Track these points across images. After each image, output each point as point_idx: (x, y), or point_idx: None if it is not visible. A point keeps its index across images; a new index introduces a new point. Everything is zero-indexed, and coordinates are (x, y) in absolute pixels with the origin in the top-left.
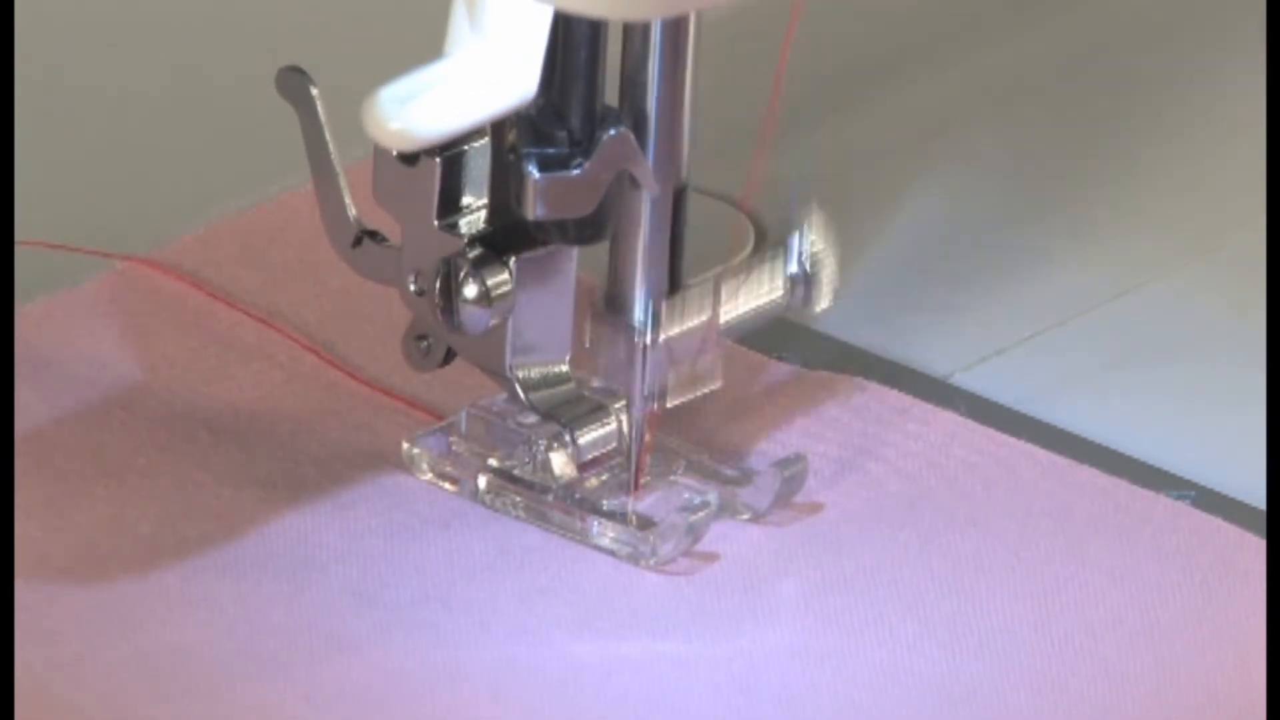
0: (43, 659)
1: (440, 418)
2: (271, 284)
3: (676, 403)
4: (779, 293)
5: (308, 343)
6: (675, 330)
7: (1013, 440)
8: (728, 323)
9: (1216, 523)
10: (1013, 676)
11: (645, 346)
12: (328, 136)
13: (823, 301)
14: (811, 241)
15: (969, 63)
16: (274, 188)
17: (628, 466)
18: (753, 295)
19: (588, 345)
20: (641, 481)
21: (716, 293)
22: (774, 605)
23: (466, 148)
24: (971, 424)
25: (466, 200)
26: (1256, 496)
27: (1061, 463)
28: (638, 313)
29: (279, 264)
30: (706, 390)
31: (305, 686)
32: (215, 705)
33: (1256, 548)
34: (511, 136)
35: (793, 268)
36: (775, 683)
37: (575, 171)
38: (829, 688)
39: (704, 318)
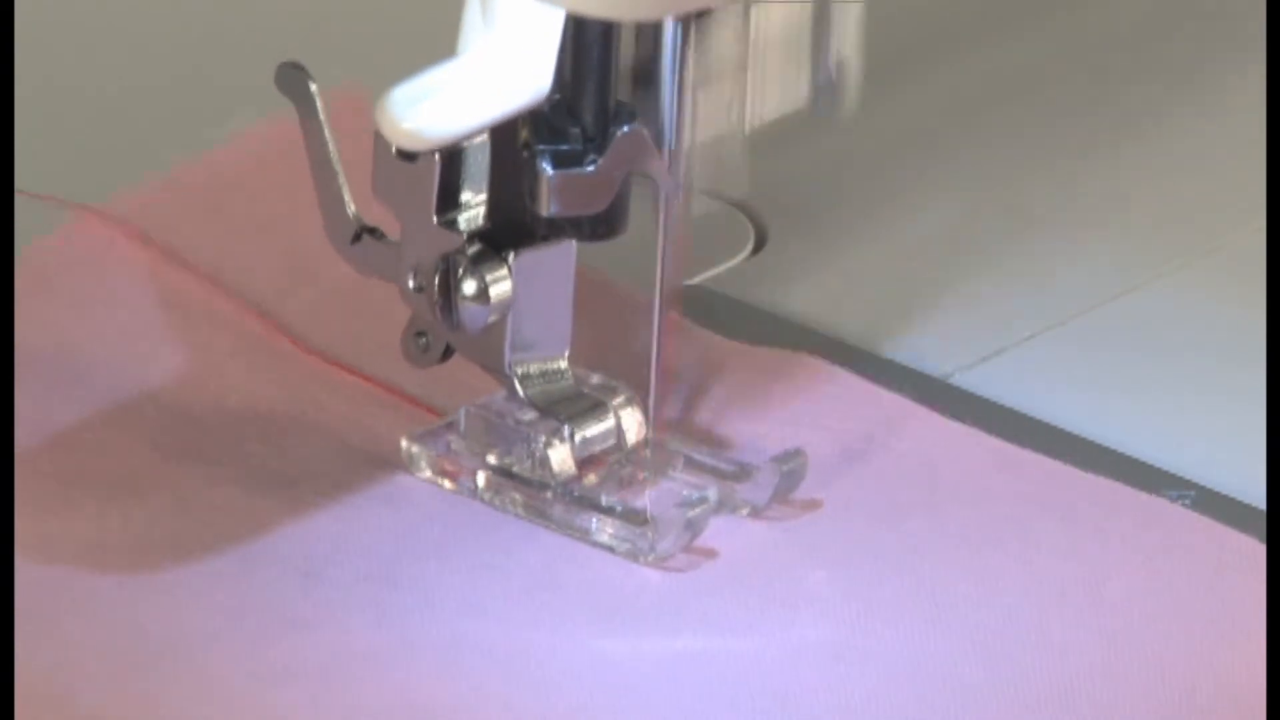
0: None
1: (387, 388)
2: (222, 241)
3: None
4: (804, 94)
5: (256, 312)
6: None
7: (957, 425)
8: (756, 123)
9: (1161, 503)
10: (960, 650)
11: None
12: (327, 133)
13: (845, 105)
14: (841, 45)
15: (969, 63)
16: (223, 131)
17: (628, 461)
18: (779, 96)
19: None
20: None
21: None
22: (738, 602)
23: (465, 145)
24: (957, 424)
25: (465, 197)
26: (1256, 496)
27: (1009, 448)
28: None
29: (229, 221)
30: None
31: (252, 664)
32: (162, 683)
33: (1204, 527)
34: (525, 133)
35: (820, 72)
36: (722, 661)
37: (589, 168)
38: (780, 667)
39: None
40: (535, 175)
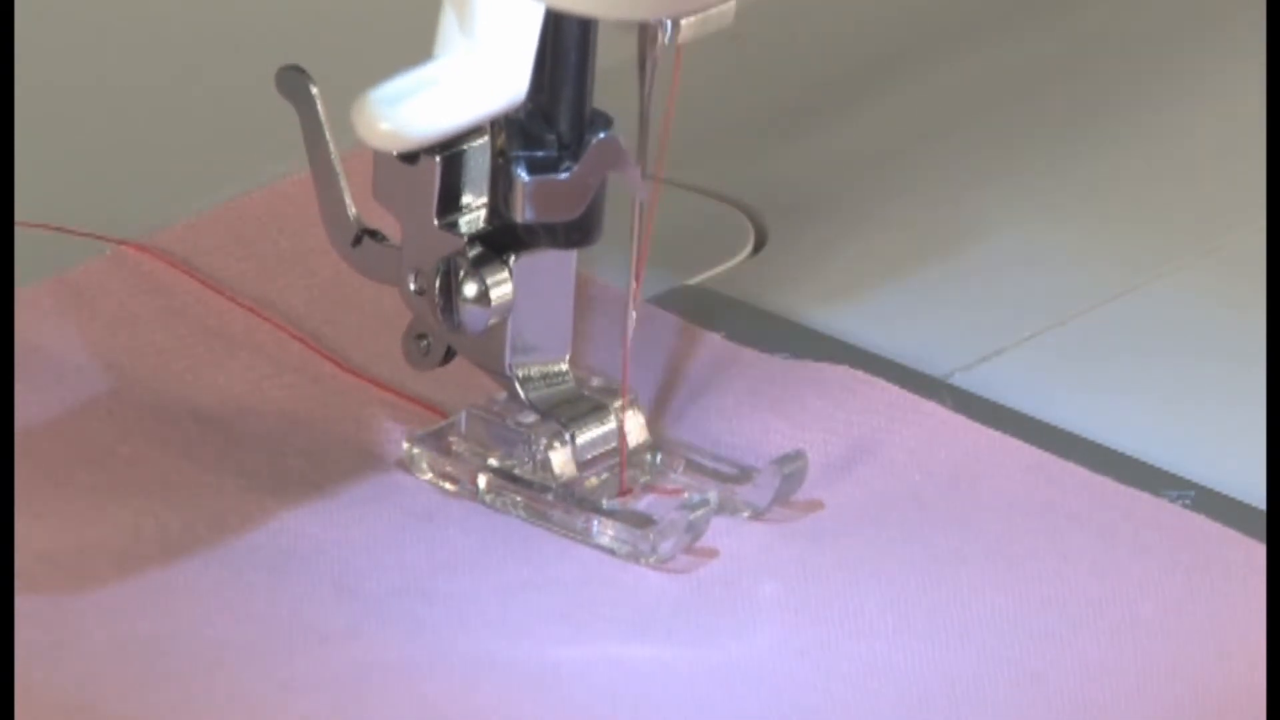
0: (22, 646)
1: (428, 407)
2: (261, 273)
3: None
4: None
5: (296, 332)
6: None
7: (997, 435)
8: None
9: (1199, 519)
10: (992, 669)
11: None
12: (328, 135)
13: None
14: None
15: (968, 63)
16: (265, 175)
17: (629, 464)
18: None
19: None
20: (623, 488)
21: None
22: (759, 604)
23: (466, 147)
24: (957, 418)
25: (466, 199)
26: (1256, 496)
27: (1046, 458)
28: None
29: (270, 253)
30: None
31: (283, 675)
32: (193, 693)
33: (1240, 543)
34: (500, 140)
35: None
36: (756, 679)
37: (564, 175)
38: (810, 682)
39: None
40: (510, 181)
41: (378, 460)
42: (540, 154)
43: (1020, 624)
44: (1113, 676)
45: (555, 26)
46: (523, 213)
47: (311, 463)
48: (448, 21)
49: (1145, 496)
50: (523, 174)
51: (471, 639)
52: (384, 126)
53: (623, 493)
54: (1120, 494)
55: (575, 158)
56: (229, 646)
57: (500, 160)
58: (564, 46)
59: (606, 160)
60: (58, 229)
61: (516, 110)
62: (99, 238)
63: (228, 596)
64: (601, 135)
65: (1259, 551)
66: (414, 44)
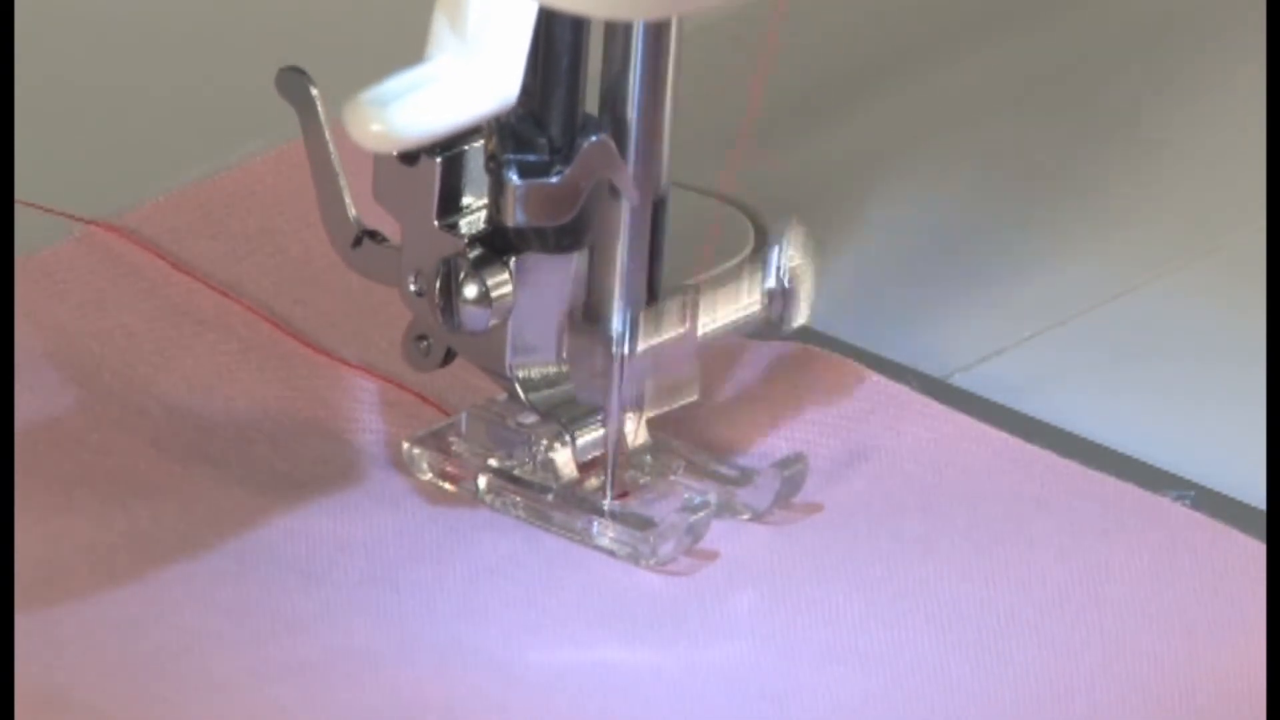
0: None
1: (398, 385)
2: (231, 253)
3: (653, 414)
4: (756, 306)
5: (265, 313)
6: (653, 341)
7: (963, 418)
8: (705, 334)
9: (1164, 502)
10: (957, 651)
11: (623, 357)
12: (328, 136)
13: (799, 317)
14: (790, 256)
15: (968, 63)
16: (235, 155)
17: (630, 465)
18: (731, 308)
19: (564, 356)
20: (621, 490)
21: (694, 304)
22: (735, 607)
23: (466, 148)
24: (959, 415)
25: (466, 200)
26: (1256, 496)
27: (1013, 442)
28: (616, 323)
29: (239, 233)
30: (684, 402)
31: (252, 663)
32: (161, 681)
33: (1206, 526)
34: (491, 144)
35: (770, 282)
36: (720, 671)
37: (555, 179)
38: (775, 668)
39: (682, 329)
40: (501, 185)
41: (346, 446)
42: (531, 158)
43: (987, 606)
44: (1079, 656)
45: (547, 29)
46: (514, 216)
47: (279, 450)
48: (439, 23)
49: (1111, 480)
50: (514, 177)
51: (439, 626)
52: (375, 128)
53: (620, 495)
54: (1086, 478)
55: (566, 161)
56: (197, 634)
57: (491, 164)
58: (556, 50)
59: (598, 164)
60: (29, 205)
61: (508, 113)
62: (69, 217)
63: (196, 585)
64: (593, 139)
65: (1224, 531)
66: (411, 44)
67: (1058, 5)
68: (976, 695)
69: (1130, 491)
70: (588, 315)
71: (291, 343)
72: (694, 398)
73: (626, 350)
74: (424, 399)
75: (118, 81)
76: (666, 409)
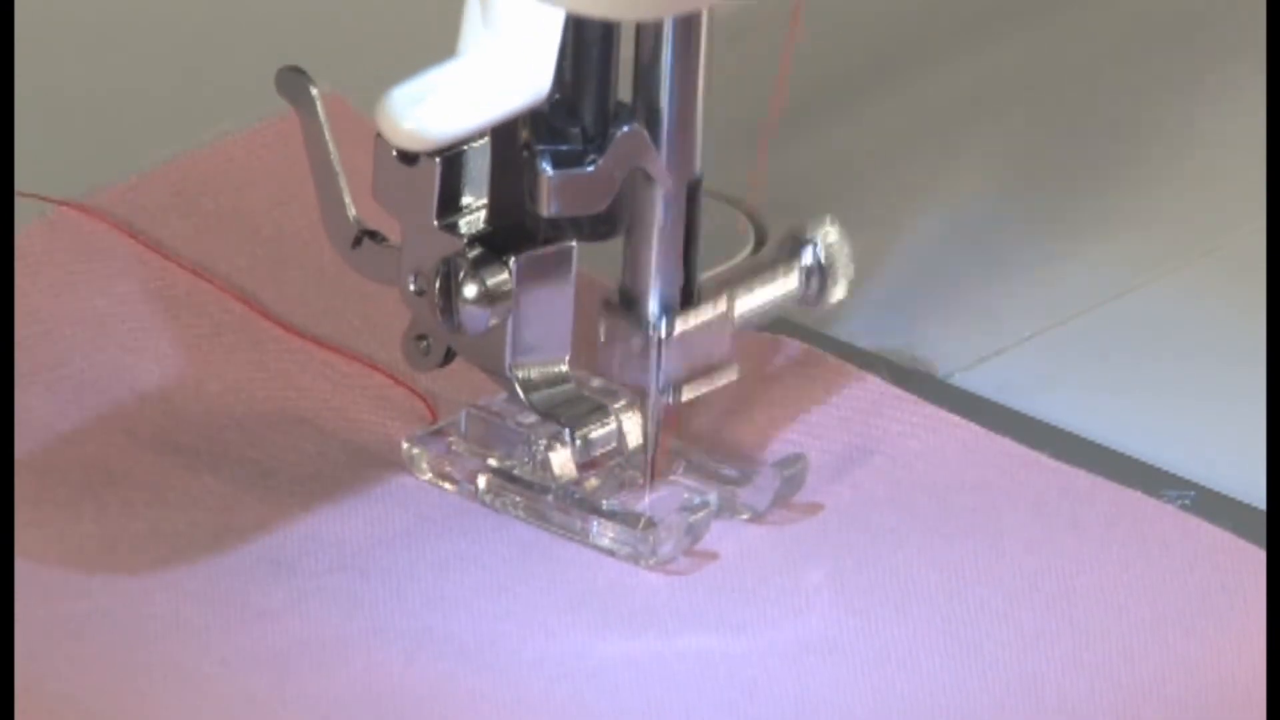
0: None
1: (370, 365)
2: (202, 232)
3: (691, 397)
4: (794, 285)
5: (238, 294)
6: (690, 325)
7: (938, 411)
8: (743, 316)
9: (1134, 494)
10: (928, 641)
11: (660, 341)
12: (328, 136)
13: (837, 293)
14: (826, 233)
15: (969, 63)
16: (208, 134)
17: (629, 465)
18: (768, 288)
19: (601, 340)
20: (656, 478)
21: (731, 286)
22: (705, 597)
23: (466, 148)
24: (952, 417)
25: (466, 200)
26: (1256, 496)
27: (983, 435)
28: (653, 308)
29: (211, 212)
30: (722, 384)
31: (223, 651)
32: (131, 669)
33: (1175, 517)
34: (525, 133)
35: (807, 260)
36: (690, 660)
37: (589, 168)
38: (747, 658)
39: (719, 312)
40: (535, 175)
41: (317, 431)
42: (565, 148)
43: (956, 596)
44: (1049, 646)
45: (578, 20)
46: (549, 207)
47: (249, 436)
48: (471, 18)
49: (1080, 473)
50: (548, 168)
51: (410, 615)
52: (407, 126)
53: (649, 480)
54: (1056, 470)
55: (600, 151)
56: (168, 622)
57: (525, 154)
58: (587, 40)
59: (631, 153)
60: None
61: (541, 104)
62: (39, 198)
63: (166, 573)
64: (626, 128)
65: (1194, 523)
66: (415, 46)
67: (1058, 5)
68: (947, 685)
69: (1101, 484)
70: (625, 300)
71: (264, 323)
72: (732, 378)
73: (664, 334)
74: (396, 380)
75: (88, 62)
76: (704, 392)
